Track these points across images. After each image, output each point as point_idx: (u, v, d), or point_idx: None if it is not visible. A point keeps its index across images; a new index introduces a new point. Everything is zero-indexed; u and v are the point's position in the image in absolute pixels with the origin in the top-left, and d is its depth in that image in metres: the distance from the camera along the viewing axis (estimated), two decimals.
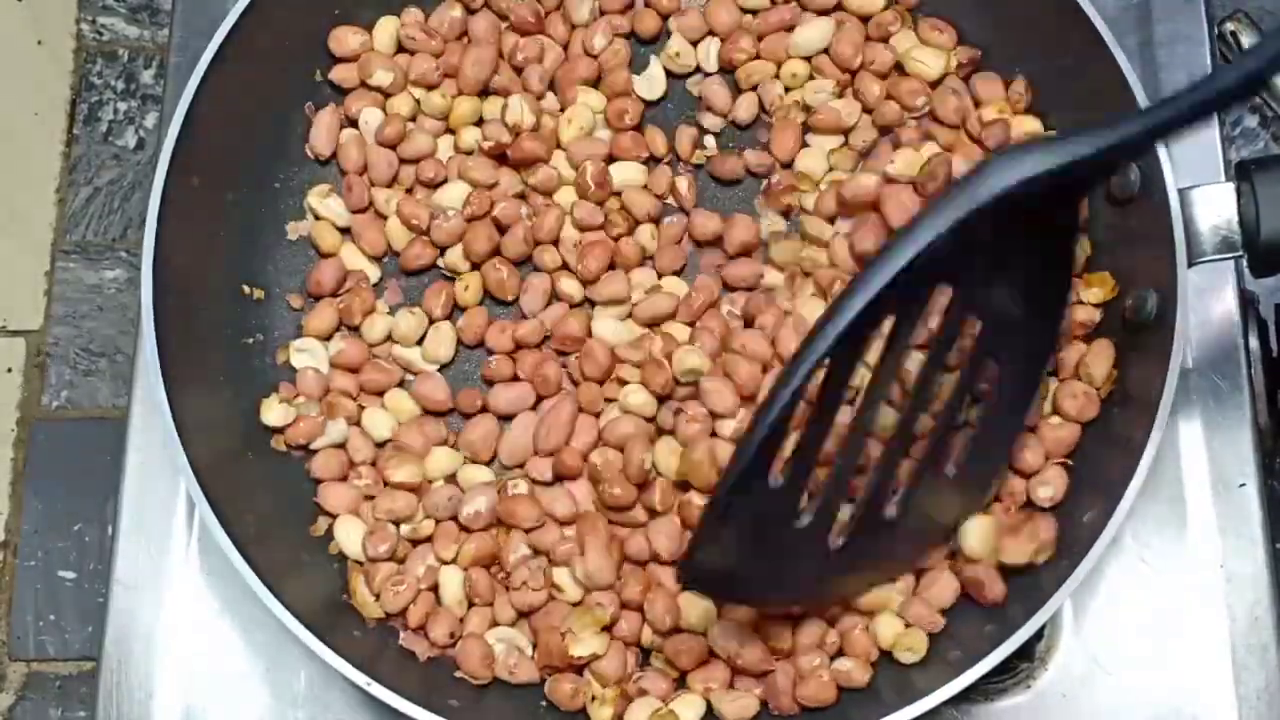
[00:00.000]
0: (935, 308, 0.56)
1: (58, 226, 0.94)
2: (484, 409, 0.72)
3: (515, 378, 0.72)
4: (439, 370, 0.73)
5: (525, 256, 0.74)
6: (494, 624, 0.68)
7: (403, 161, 0.75)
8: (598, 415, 0.71)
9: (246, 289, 0.74)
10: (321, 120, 0.75)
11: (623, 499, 0.67)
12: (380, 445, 0.72)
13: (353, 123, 0.76)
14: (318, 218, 0.75)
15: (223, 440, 0.69)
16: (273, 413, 0.71)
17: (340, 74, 0.76)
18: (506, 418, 0.72)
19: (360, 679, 0.62)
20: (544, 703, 0.67)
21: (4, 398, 0.91)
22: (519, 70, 0.76)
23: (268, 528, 0.68)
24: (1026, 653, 0.71)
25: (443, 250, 0.74)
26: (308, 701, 0.71)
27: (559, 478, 0.70)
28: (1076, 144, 0.52)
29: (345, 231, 0.75)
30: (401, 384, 0.73)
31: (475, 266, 0.74)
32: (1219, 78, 0.51)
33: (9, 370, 0.92)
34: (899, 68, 0.74)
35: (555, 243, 0.73)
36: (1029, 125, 0.73)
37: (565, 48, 0.77)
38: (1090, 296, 0.70)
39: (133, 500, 0.74)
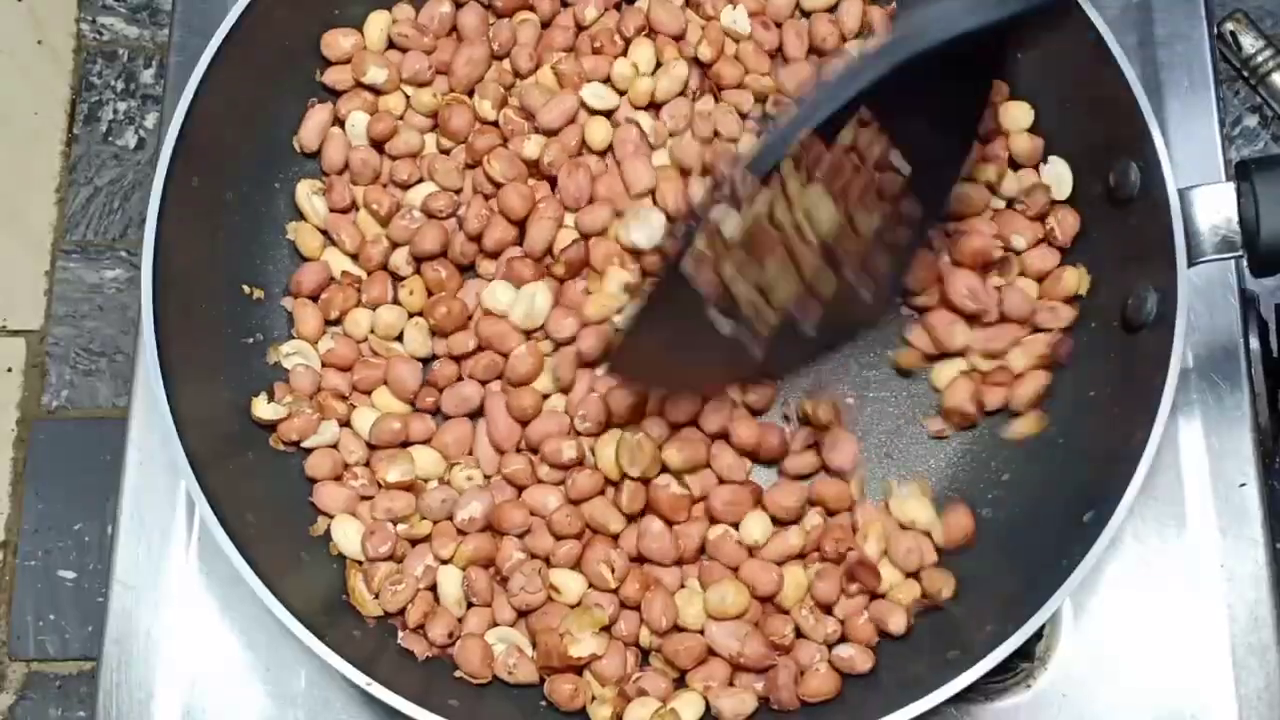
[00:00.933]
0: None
1: (58, 226, 0.94)
2: (436, 410, 0.72)
3: (459, 379, 0.72)
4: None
5: (469, 263, 0.74)
6: (493, 624, 0.68)
7: (393, 158, 0.75)
8: (525, 423, 0.71)
9: (246, 289, 0.74)
10: (314, 115, 0.75)
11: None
12: (372, 446, 0.72)
13: (342, 124, 0.76)
14: (302, 216, 0.75)
15: (222, 440, 0.69)
16: (263, 409, 0.71)
17: (334, 76, 0.76)
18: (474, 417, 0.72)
19: (360, 678, 0.62)
20: (543, 702, 0.67)
21: (4, 397, 0.91)
22: (503, 57, 0.76)
23: (267, 528, 0.68)
24: (1026, 652, 0.71)
25: (395, 247, 0.74)
26: (307, 701, 0.71)
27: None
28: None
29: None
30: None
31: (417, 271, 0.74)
32: None
33: (9, 370, 0.92)
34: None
35: (497, 255, 0.73)
36: (1016, 111, 0.73)
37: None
38: (1062, 291, 0.70)
39: (133, 500, 0.74)
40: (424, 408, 0.72)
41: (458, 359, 0.72)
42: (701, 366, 0.66)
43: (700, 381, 0.69)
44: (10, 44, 0.97)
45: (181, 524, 0.74)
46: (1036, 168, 0.73)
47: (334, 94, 0.76)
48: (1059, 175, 0.72)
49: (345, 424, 0.72)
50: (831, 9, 0.76)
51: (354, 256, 0.74)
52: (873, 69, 0.58)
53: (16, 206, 0.94)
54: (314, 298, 0.74)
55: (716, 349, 0.63)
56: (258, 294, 0.74)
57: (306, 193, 0.75)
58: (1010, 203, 0.73)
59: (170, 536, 0.73)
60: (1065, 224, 0.71)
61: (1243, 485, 0.72)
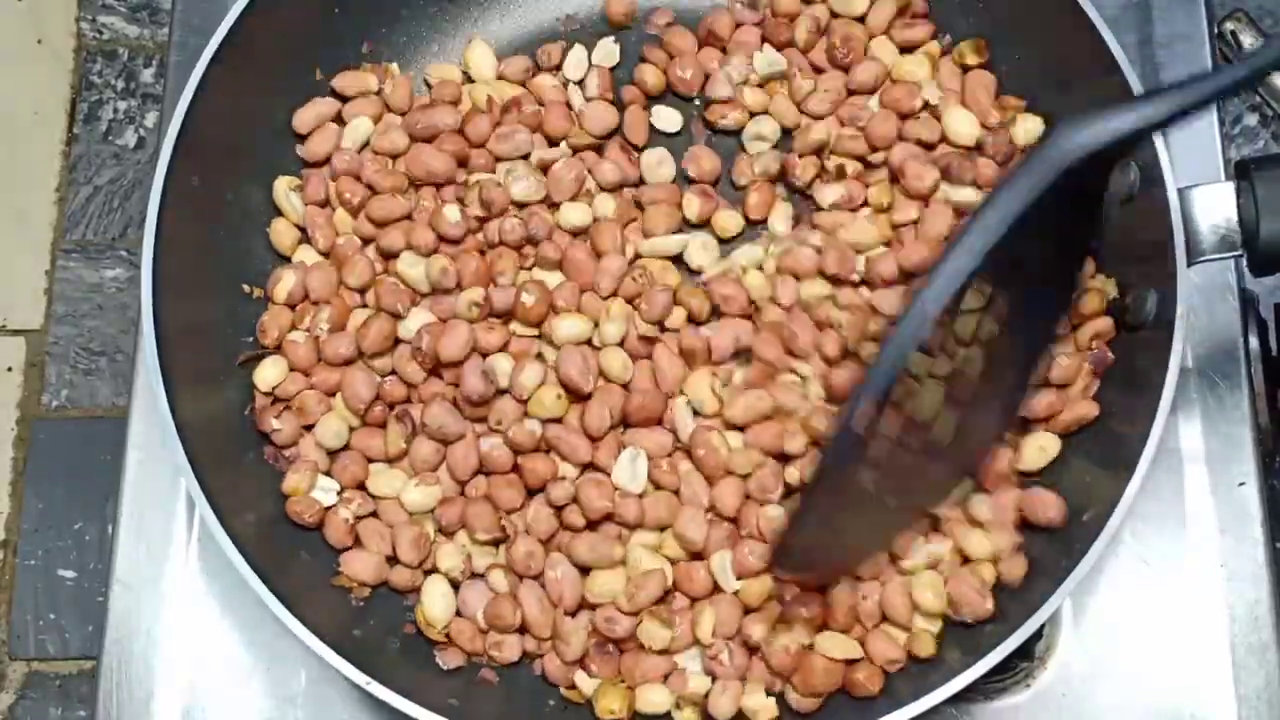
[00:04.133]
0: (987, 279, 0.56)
1: (58, 226, 0.94)
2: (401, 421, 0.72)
3: (407, 400, 0.72)
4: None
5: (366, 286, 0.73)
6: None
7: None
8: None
9: (246, 288, 0.74)
10: (315, 106, 0.76)
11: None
12: (333, 454, 0.71)
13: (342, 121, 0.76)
14: (279, 211, 0.75)
15: (222, 440, 0.69)
16: (266, 373, 0.70)
17: (343, 82, 0.76)
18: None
19: (360, 678, 0.62)
20: (551, 702, 0.68)
21: (4, 397, 0.91)
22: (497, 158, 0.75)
23: (268, 527, 0.68)
24: (1026, 652, 0.71)
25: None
26: (307, 700, 0.71)
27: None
28: (1144, 109, 0.52)
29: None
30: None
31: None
32: (1272, 46, 0.52)
33: (9, 369, 0.92)
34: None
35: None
36: (1032, 124, 0.73)
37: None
38: (1091, 308, 0.69)
39: (133, 500, 0.74)
40: (373, 421, 0.71)
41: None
42: (855, 540, 0.64)
43: (857, 556, 0.66)
44: (10, 43, 0.97)
45: (181, 524, 0.74)
46: None
47: (336, 98, 0.77)
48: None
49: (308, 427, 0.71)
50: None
51: (325, 254, 0.74)
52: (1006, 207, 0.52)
53: (16, 206, 0.94)
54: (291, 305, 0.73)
55: (866, 515, 0.61)
56: (258, 293, 0.74)
57: (284, 190, 0.74)
58: None
59: (170, 536, 0.73)
60: None
61: (1242, 485, 0.72)
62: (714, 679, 0.66)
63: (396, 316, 0.71)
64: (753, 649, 0.66)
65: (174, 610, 0.72)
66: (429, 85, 0.78)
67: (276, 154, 0.75)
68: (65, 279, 0.92)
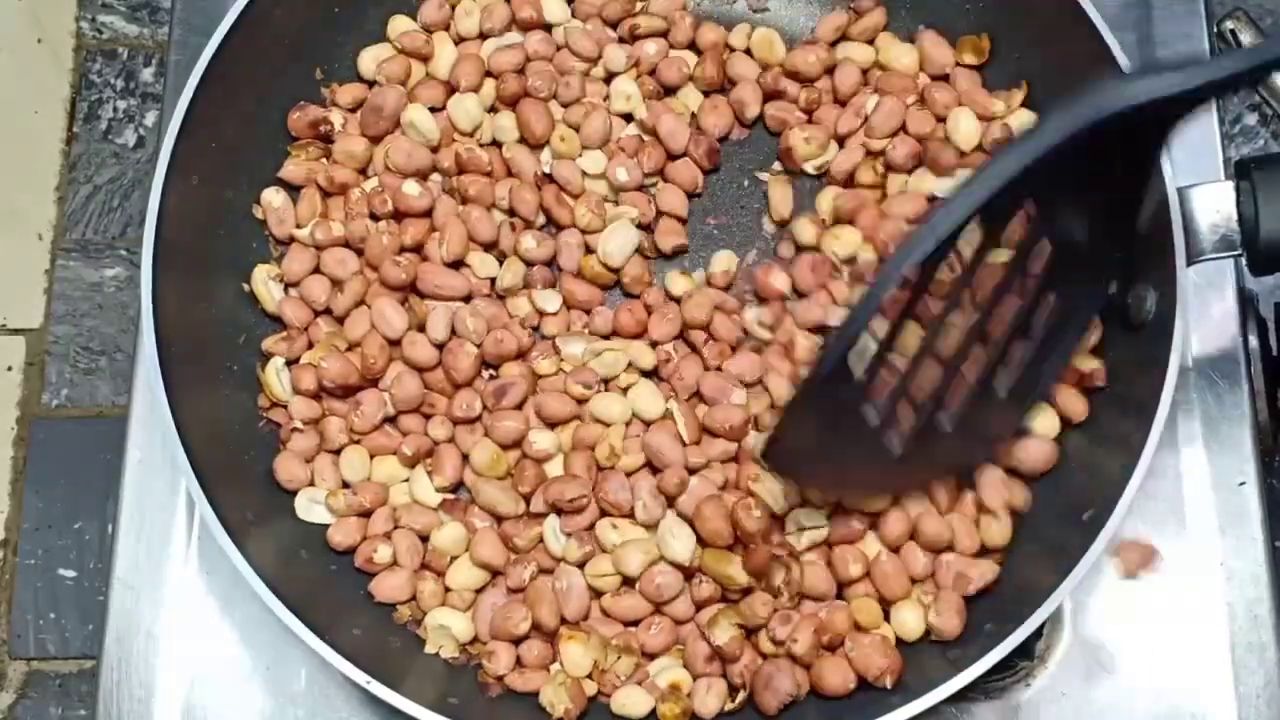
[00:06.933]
0: (1019, 222, 0.57)
1: (58, 225, 0.94)
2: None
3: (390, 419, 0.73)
4: None
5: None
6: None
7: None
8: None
9: (246, 287, 0.74)
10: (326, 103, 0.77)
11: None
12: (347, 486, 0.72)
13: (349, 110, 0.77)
14: (254, 297, 0.74)
15: (222, 439, 0.69)
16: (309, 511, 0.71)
17: (346, 97, 0.76)
18: None
19: (360, 677, 0.62)
20: None
21: (4, 396, 0.91)
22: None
23: (268, 526, 0.68)
24: (1026, 651, 0.71)
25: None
26: (308, 699, 0.71)
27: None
28: (1193, 72, 0.53)
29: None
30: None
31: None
32: None
33: (9, 369, 0.92)
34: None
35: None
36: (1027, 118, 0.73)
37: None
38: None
39: (133, 499, 0.74)
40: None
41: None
42: (847, 465, 0.65)
43: (844, 484, 0.67)
44: (10, 43, 0.97)
45: (181, 524, 0.74)
46: None
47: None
48: None
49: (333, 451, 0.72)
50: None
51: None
52: (1044, 138, 0.54)
53: (16, 205, 0.94)
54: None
55: (860, 446, 0.62)
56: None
57: (262, 278, 0.74)
58: None
59: (170, 536, 0.73)
60: None
61: (1242, 484, 0.72)
62: (695, 678, 0.67)
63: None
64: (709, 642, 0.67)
65: (174, 610, 0.72)
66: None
67: (276, 154, 0.75)
68: (65, 278, 0.92)
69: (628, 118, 0.76)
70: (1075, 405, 0.69)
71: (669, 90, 0.77)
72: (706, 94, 0.77)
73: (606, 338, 0.73)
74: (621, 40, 0.77)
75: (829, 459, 0.64)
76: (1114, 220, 0.59)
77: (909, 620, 0.67)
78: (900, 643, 0.67)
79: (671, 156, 0.75)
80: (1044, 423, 0.69)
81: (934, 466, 0.67)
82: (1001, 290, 0.60)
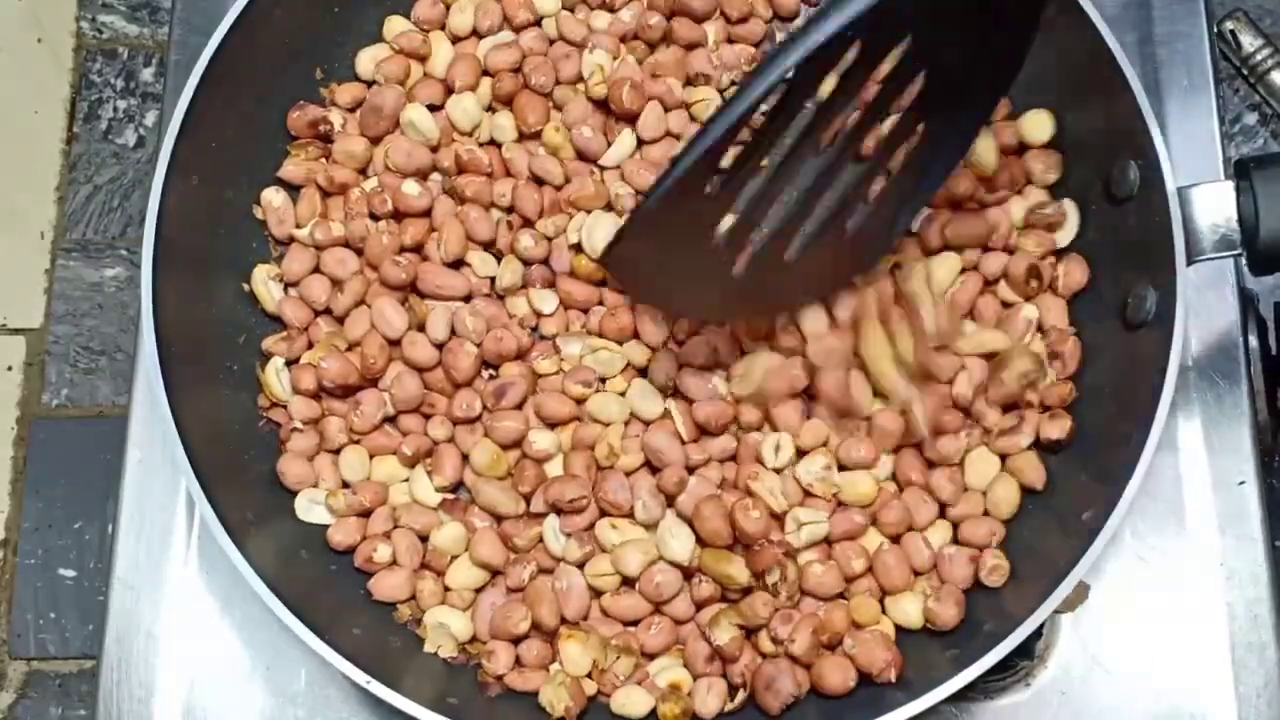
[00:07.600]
0: (892, 50, 0.58)
1: (58, 225, 0.94)
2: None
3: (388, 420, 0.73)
4: None
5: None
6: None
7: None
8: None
9: (246, 287, 0.74)
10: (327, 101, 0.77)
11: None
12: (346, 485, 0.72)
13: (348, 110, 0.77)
14: (255, 297, 0.74)
15: (222, 439, 0.69)
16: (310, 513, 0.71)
17: (345, 96, 0.76)
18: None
19: (360, 677, 0.62)
20: None
21: (4, 396, 0.91)
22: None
23: (268, 526, 0.68)
24: (1026, 651, 0.71)
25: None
26: (307, 699, 0.71)
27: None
28: None
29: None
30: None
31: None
32: None
33: (9, 368, 0.92)
34: None
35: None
36: (1034, 120, 0.73)
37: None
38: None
39: (133, 499, 0.74)
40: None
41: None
42: (690, 284, 0.65)
43: (686, 304, 0.68)
44: (10, 42, 0.97)
45: (181, 524, 0.74)
46: (1052, 189, 0.73)
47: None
48: (1066, 218, 0.72)
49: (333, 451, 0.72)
50: None
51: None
52: None
53: (16, 205, 0.94)
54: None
55: (705, 264, 0.63)
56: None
57: (261, 277, 0.74)
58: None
59: (170, 536, 0.73)
60: (1071, 276, 0.71)
61: (1242, 484, 0.72)
62: (695, 678, 0.67)
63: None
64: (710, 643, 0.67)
65: (174, 610, 0.72)
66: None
67: (276, 153, 0.75)
68: (65, 278, 0.92)
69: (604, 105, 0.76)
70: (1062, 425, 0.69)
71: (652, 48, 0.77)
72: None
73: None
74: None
75: (670, 272, 0.64)
76: (989, 67, 0.62)
77: (909, 611, 0.67)
78: (900, 642, 0.67)
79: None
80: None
81: (782, 291, 0.67)
82: (871, 113, 0.61)
